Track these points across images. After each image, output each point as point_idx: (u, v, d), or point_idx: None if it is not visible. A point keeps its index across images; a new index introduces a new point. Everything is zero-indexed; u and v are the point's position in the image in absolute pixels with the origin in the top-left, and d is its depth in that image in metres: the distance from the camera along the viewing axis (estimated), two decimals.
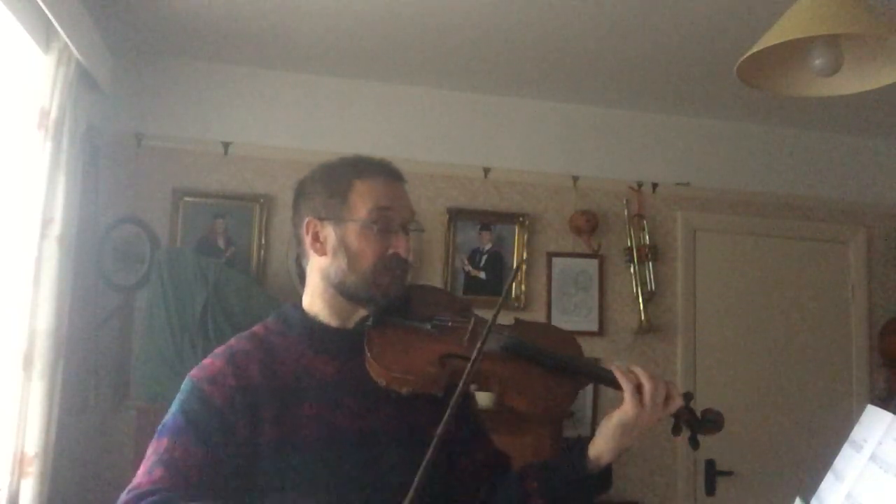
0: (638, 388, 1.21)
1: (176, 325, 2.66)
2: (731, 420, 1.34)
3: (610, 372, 1.26)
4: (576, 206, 3.36)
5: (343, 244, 1.26)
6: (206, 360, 1.24)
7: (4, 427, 2.19)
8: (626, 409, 1.21)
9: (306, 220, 1.30)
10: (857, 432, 1.11)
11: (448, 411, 1.02)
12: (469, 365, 1.08)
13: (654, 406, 1.21)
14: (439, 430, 1.00)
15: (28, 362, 2.23)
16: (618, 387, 1.24)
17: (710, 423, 1.30)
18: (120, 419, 2.84)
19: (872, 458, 1.03)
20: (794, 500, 1.17)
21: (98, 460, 2.79)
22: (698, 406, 1.32)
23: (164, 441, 1.15)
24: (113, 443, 2.82)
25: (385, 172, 1.30)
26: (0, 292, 2.27)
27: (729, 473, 3.31)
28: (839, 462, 1.12)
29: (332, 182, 1.30)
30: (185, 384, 1.21)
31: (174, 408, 1.19)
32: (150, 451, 1.16)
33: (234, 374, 1.20)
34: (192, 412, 1.16)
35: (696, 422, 1.30)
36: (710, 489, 3.28)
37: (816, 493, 1.14)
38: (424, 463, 0.97)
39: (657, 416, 1.22)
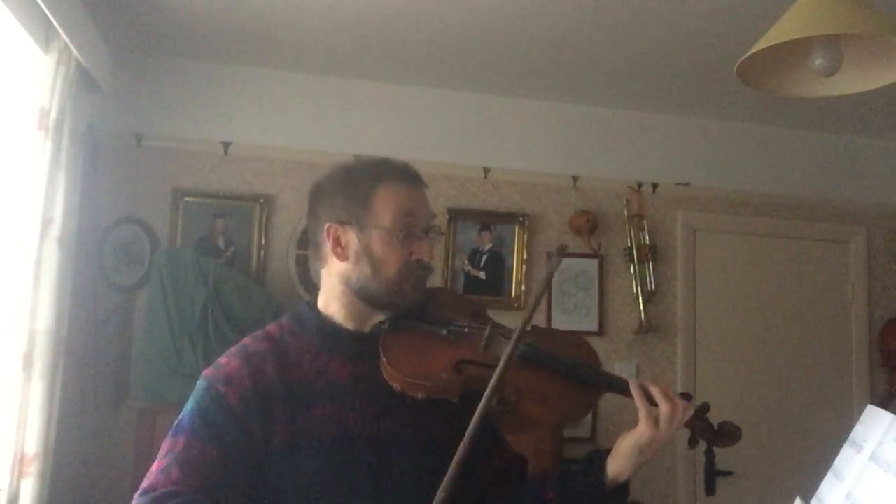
0: (654, 411, 1.21)
1: (176, 325, 2.66)
2: (732, 420, 1.34)
3: (627, 382, 1.26)
4: (576, 206, 3.36)
5: (367, 250, 1.24)
6: (222, 360, 1.23)
7: (4, 427, 2.19)
8: (643, 430, 1.21)
9: (327, 224, 1.26)
10: (857, 432, 1.11)
11: (470, 429, 1.04)
12: (494, 379, 1.08)
13: (670, 428, 1.21)
14: (460, 451, 1.02)
15: (28, 362, 2.23)
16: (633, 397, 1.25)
17: (727, 435, 1.30)
18: (120, 419, 2.84)
19: (872, 458, 1.03)
20: (794, 500, 1.17)
21: (98, 460, 2.79)
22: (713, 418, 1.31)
23: (181, 440, 1.14)
24: (113, 443, 2.81)
25: (407, 177, 1.29)
26: (0, 292, 2.27)
27: (729, 473, 3.30)
28: (839, 462, 1.12)
29: (354, 186, 1.27)
30: (200, 383, 1.20)
31: (189, 406, 1.18)
32: (164, 449, 1.15)
33: (251, 375, 1.19)
34: (207, 412, 1.16)
35: (712, 434, 1.30)
36: (710, 489, 3.27)
37: (816, 493, 1.14)
38: (446, 481, 1.00)
39: (672, 436, 1.22)
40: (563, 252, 1.27)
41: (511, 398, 1.22)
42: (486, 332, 1.27)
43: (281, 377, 1.20)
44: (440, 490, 1.00)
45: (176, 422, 1.18)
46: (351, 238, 1.25)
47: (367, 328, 1.28)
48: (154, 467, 1.13)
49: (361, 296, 1.25)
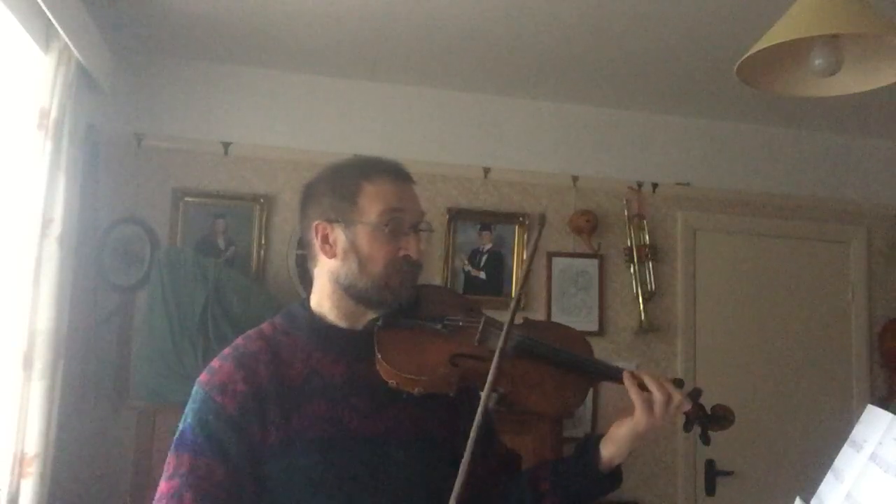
0: (649, 399, 1.23)
1: (176, 325, 2.66)
2: None
3: (620, 371, 1.27)
4: (576, 206, 3.36)
5: (353, 247, 1.24)
6: (215, 363, 1.22)
7: (4, 427, 2.19)
8: (639, 418, 1.23)
9: (315, 222, 1.27)
10: (857, 432, 1.11)
11: (475, 425, 1.05)
12: (491, 372, 1.09)
13: (665, 414, 1.23)
14: (469, 445, 1.03)
15: (28, 362, 2.23)
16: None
17: (720, 419, 1.31)
18: (120, 419, 2.84)
19: (872, 458, 1.03)
20: (794, 500, 1.17)
21: (98, 460, 2.79)
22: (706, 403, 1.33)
23: (186, 458, 1.14)
24: (113, 443, 2.81)
25: (394, 174, 1.29)
26: (0, 292, 2.27)
27: (729, 473, 3.31)
28: (839, 462, 1.12)
29: (341, 184, 1.27)
30: (196, 392, 1.20)
31: (189, 420, 1.18)
32: (171, 467, 1.15)
33: (244, 379, 1.18)
34: (208, 425, 1.16)
35: (706, 418, 1.31)
36: (710, 489, 3.28)
37: (816, 494, 1.14)
38: (459, 481, 1.00)
39: (667, 422, 1.24)
40: (543, 222, 1.35)
41: (506, 389, 1.23)
42: (481, 326, 1.28)
43: (274, 377, 1.20)
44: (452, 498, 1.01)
45: (177, 435, 1.18)
46: (338, 235, 1.25)
47: (360, 326, 1.28)
48: (163, 489, 1.13)
49: (350, 293, 1.25)
